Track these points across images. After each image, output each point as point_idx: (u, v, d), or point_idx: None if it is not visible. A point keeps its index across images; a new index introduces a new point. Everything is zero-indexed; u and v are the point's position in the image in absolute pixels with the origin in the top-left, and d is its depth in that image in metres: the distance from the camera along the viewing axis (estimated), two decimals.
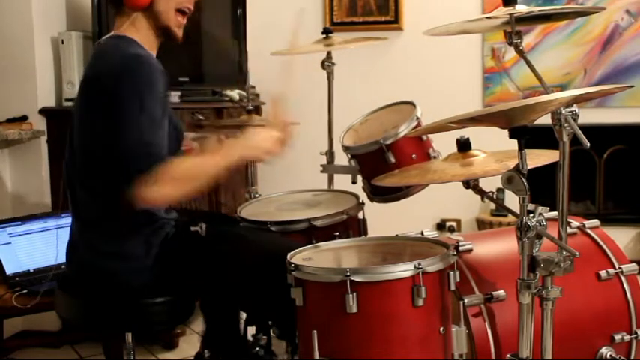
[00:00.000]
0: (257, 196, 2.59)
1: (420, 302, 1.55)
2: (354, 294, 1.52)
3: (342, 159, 2.52)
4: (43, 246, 2.64)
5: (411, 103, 2.34)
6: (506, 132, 1.53)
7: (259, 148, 1.85)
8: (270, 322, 2.27)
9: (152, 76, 1.75)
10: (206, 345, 1.99)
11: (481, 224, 4.00)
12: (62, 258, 2.11)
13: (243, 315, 2.41)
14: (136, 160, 1.68)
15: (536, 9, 1.76)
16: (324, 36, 2.72)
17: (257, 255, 1.84)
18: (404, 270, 1.54)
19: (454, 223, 4.13)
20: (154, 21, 1.88)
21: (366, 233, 2.30)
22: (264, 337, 2.37)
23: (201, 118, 3.27)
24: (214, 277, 1.86)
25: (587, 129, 1.56)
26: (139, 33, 1.88)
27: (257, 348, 2.34)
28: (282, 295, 1.65)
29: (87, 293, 1.89)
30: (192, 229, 1.89)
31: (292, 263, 1.63)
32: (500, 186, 1.54)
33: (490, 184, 1.96)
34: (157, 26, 1.89)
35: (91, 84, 1.82)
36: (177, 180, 1.71)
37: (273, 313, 1.95)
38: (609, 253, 2.02)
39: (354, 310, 1.53)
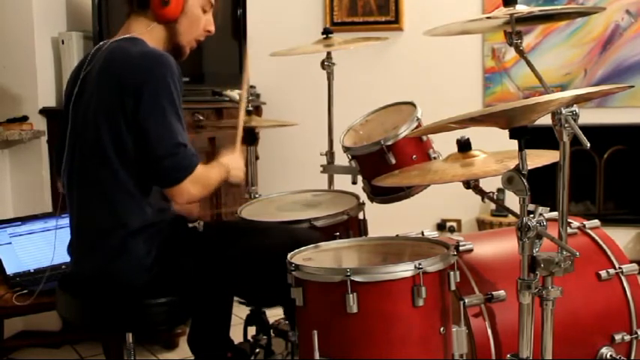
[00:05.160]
0: (257, 196, 2.59)
1: (420, 302, 1.55)
2: (355, 294, 1.52)
3: (342, 159, 2.51)
4: (43, 246, 2.64)
5: (412, 104, 2.34)
6: (506, 132, 1.53)
7: (241, 169, 2.02)
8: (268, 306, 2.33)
9: (175, 75, 1.79)
10: (190, 345, 1.99)
11: (481, 224, 4.00)
12: (62, 258, 2.11)
13: (243, 316, 2.42)
14: (175, 161, 1.75)
15: (536, 9, 1.76)
16: (324, 36, 2.72)
17: (256, 242, 1.90)
18: (404, 270, 1.54)
19: (454, 224, 4.13)
20: (170, 36, 1.93)
21: (366, 233, 2.30)
22: (264, 337, 2.37)
23: (201, 118, 3.27)
24: (213, 268, 1.86)
25: (587, 129, 1.55)
26: (152, 40, 1.89)
27: (257, 349, 2.34)
28: (282, 278, 1.67)
29: (88, 293, 1.89)
30: (190, 225, 1.93)
31: (292, 263, 1.63)
32: (501, 186, 1.54)
33: (490, 184, 1.96)
34: (172, 41, 1.94)
35: (113, 83, 1.79)
36: (202, 183, 1.82)
37: (275, 297, 1.98)
38: (609, 253, 2.02)
39: (355, 310, 1.53)
